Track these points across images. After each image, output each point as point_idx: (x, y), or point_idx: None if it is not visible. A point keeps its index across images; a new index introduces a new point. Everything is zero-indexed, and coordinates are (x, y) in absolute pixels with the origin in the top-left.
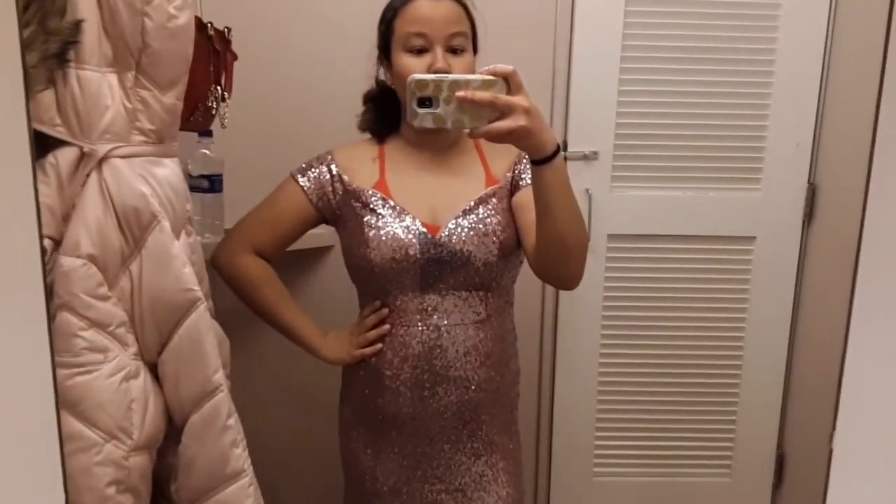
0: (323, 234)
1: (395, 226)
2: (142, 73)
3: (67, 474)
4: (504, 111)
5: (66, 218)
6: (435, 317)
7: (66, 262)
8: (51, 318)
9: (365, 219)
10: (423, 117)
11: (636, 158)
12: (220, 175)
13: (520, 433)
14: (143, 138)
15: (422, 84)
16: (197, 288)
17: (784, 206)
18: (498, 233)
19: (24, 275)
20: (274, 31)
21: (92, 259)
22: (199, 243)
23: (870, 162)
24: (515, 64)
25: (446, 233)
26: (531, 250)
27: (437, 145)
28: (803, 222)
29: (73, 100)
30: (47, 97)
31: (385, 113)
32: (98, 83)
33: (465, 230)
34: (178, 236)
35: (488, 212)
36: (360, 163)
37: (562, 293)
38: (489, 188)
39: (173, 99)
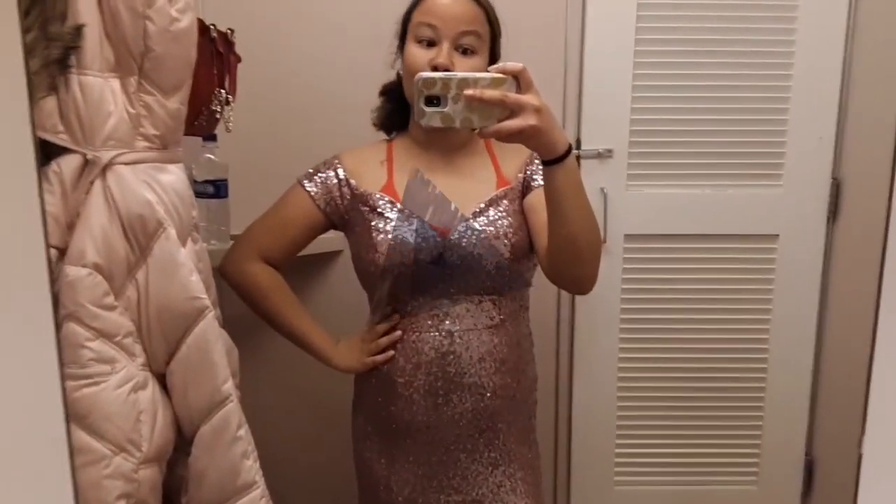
0: (332, 239)
1: (404, 229)
2: (144, 78)
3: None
4: (514, 110)
5: (70, 227)
6: (447, 322)
7: (72, 271)
8: (57, 328)
9: (373, 223)
10: (430, 116)
11: (652, 156)
12: (226, 180)
13: (538, 442)
14: (147, 144)
15: (429, 82)
16: (204, 296)
17: (807, 203)
18: (509, 235)
19: (31, 286)
20: (278, 32)
21: (97, 268)
22: (205, 250)
23: (895, 154)
24: (525, 59)
25: (456, 236)
26: (543, 253)
27: (447, 145)
28: (828, 219)
29: (75, 106)
30: (49, 104)
31: (397, 107)
32: (100, 89)
33: (476, 233)
34: (184, 244)
35: (499, 214)
36: (367, 166)
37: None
38: (500, 189)
39: (177, 103)
